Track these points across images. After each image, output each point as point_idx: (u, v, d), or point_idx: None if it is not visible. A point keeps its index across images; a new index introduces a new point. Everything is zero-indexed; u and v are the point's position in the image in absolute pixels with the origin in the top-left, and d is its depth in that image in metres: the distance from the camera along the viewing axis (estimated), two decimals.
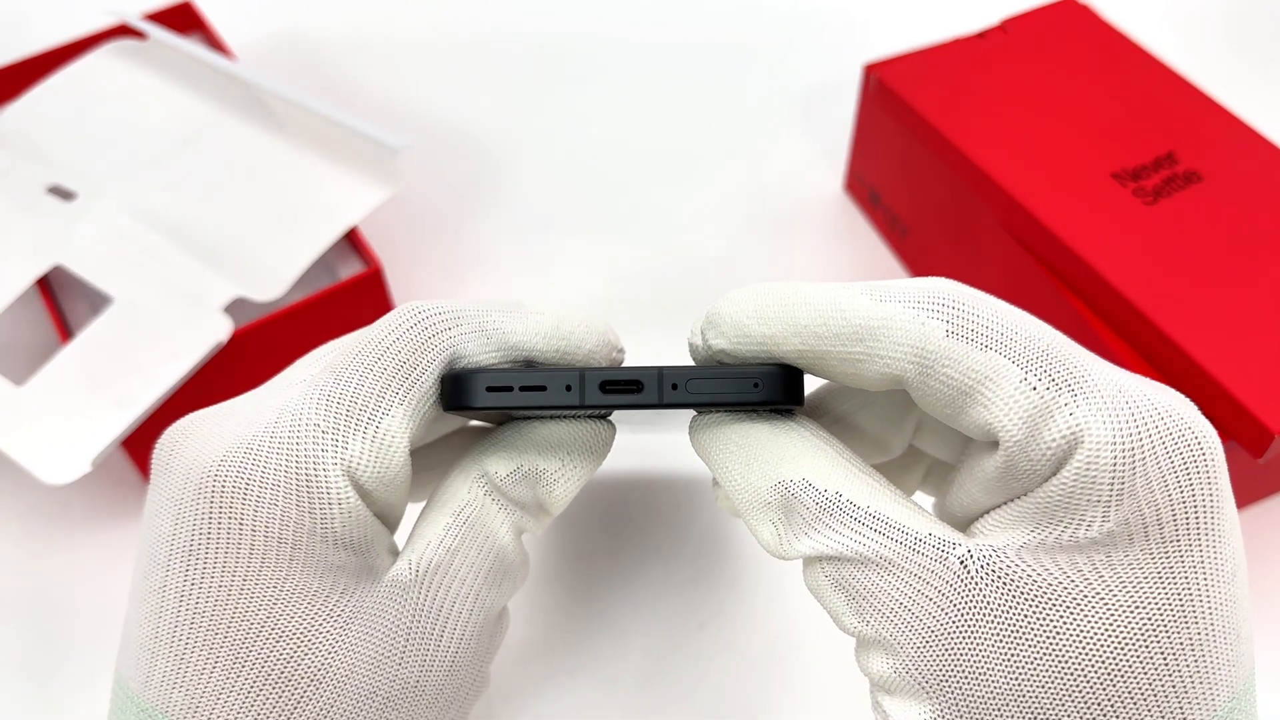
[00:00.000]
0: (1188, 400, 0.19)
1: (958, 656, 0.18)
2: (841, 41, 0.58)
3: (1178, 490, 0.18)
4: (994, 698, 0.18)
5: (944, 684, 0.18)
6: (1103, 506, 0.18)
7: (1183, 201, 0.37)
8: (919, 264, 0.46)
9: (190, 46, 0.46)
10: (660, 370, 0.20)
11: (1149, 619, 0.18)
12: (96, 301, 0.41)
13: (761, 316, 0.20)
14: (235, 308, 0.38)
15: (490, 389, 0.20)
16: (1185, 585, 0.18)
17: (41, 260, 0.40)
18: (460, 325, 0.20)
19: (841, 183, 0.50)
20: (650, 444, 0.40)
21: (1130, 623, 0.18)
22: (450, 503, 0.21)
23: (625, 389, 0.20)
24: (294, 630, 0.19)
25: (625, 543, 0.37)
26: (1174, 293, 0.35)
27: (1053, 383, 0.18)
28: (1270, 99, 0.49)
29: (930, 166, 0.42)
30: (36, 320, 0.43)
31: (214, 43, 0.50)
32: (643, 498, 0.39)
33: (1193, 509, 0.18)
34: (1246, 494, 0.37)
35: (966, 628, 0.18)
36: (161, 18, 0.52)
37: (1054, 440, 0.18)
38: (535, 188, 0.51)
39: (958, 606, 0.18)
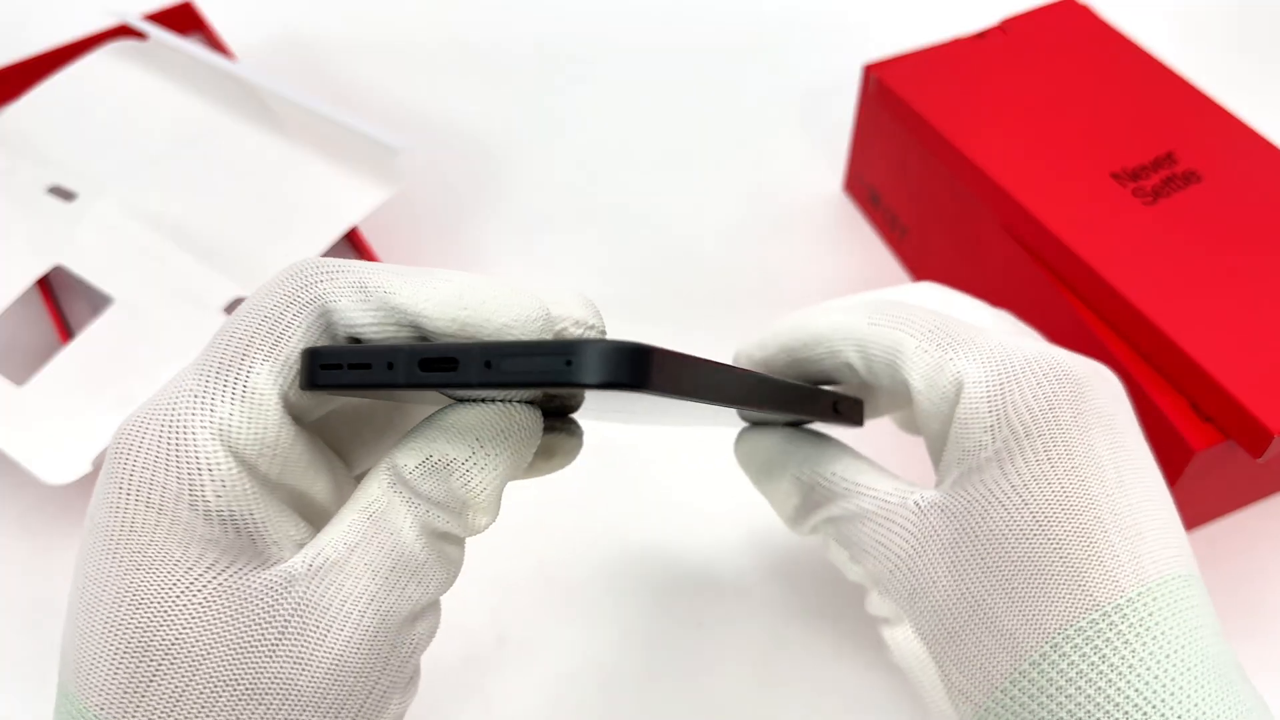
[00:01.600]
0: (1088, 360, 0.24)
1: (918, 574, 0.23)
2: (841, 41, 0.58)
3: (1042, 412, 0.22)
4: (946, 600, 0.23)
5: (913, 598, 0.23)
6: (989, 431, 0.22)
7: (1182, 201, 0.37)
8: (919, 264, 0.46)
9: (191, 47, 0.46)
10: (474, 347, 0.18)
11: (1038, 513, 0.22)
12: (96, 301, 0.41)
13: (761, 345, 0.27)
14: (235, 308, 0.38)
15: (324, 366, 0.19)
16: (1063, 486, 0.22)
17: (42, 260, 0.40)
18: (336, 278, 0.19)
19: (841, 183, 0.50)
20: (652, 445, 0.40)
21: (1023, 518, 0.22)
22: (360, 499, 0.20)
23: (442, 366, 0.18)
24: (152, 599, 0.18)
25: (625, 543, 0.37)
26: (1173, 293, 0.35)
27: (937, 346, 0.23)
28: (1270, 99, 0.49)
29: (930, 166, 0.42)
30: (36, 320, 0.43)
31: (214, 43, 0.51)
32: (643, 498, 0.39)
33: (1057, 426, 0.22)
34: (1246, 494, 0.37)
35: (922, 550, 0.23)
36: (162, 18, 0.52)
37: (946, 386, 0.23)
38: (535, 188, 0.51)
39: (915, 535, 0.23)
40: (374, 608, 0.20)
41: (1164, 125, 0.40)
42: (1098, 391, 0.23)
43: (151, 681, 0.18)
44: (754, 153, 0.52)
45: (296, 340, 0.19)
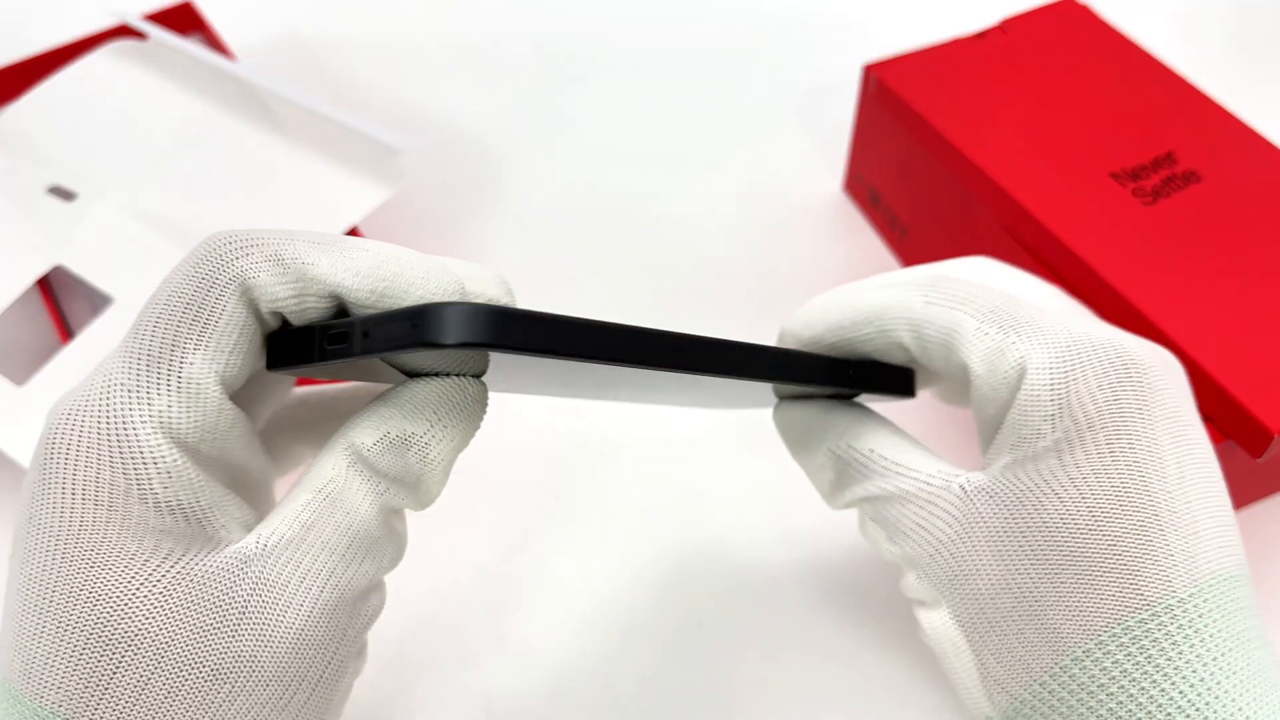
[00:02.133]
0: (1150, 343, 0.23)
1: (961, 560, 0.23)
2: (841, 41, 0.58)
3: (1106, 402, 0.22)
4: (989, 588, 0.22)
5: (953, 584, 0.23)
6: (1050, 420, 0.22)
7: (1182, 202, 0.37)
8: (918, 264, 0.46)
9: (191, 47, 0.46)
10: (357, 320, 0.19)
11: (1095, 508, 0.21)
12: (97, 301, 0.41)
13: (807, 323, 0.26)
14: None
15: (276, 349, 0.20)
16: (1123, 481, 0.21)
17: (42, 260, 0.40)
18: (251, 254, 0.19)
19: (841, 183, 0.50)
20: (651, 443, 0.40)
21: (1080, 511, 0.21)
22: (314, 480, 0.20)
23: (339, 340, 0.19)
24: (110, 594, 0.19)
25: (625, 542, 0.37)
26: (1173, 293, 0.35)
27: (1000, 329, 0.23)
28: (1269, 99, 0.49)
29: (930, 166, 0.42)
30: (37, 320, 0.43)
31: (214, 43, 0.51)
32: (643, 497, 0.39)
33: (1121, 418, 0.22)
34: (1246, 494, 0.37)
35: (966, 536, 0.23)
36: (162, 18, 0.52)
37: (1007, 370, 0.22)
38: (535, 188, 0.51)
39: (960, 520, 0.23)
40: (331, 583, 0.20)
41: (1164, 125, 0.40)
42: (1164, 381, 0.22)
43: (115, 674, 0.18)
44: (754, 153, 0.52)
45: (224, 322, 0.19)
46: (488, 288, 0.21)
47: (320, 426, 0.25)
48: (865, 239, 0.48)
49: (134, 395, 0.19)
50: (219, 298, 0.19)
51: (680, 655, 0.34)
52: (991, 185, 0.39)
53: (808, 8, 0.60)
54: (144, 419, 0.19)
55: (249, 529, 0.20)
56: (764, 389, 0.25)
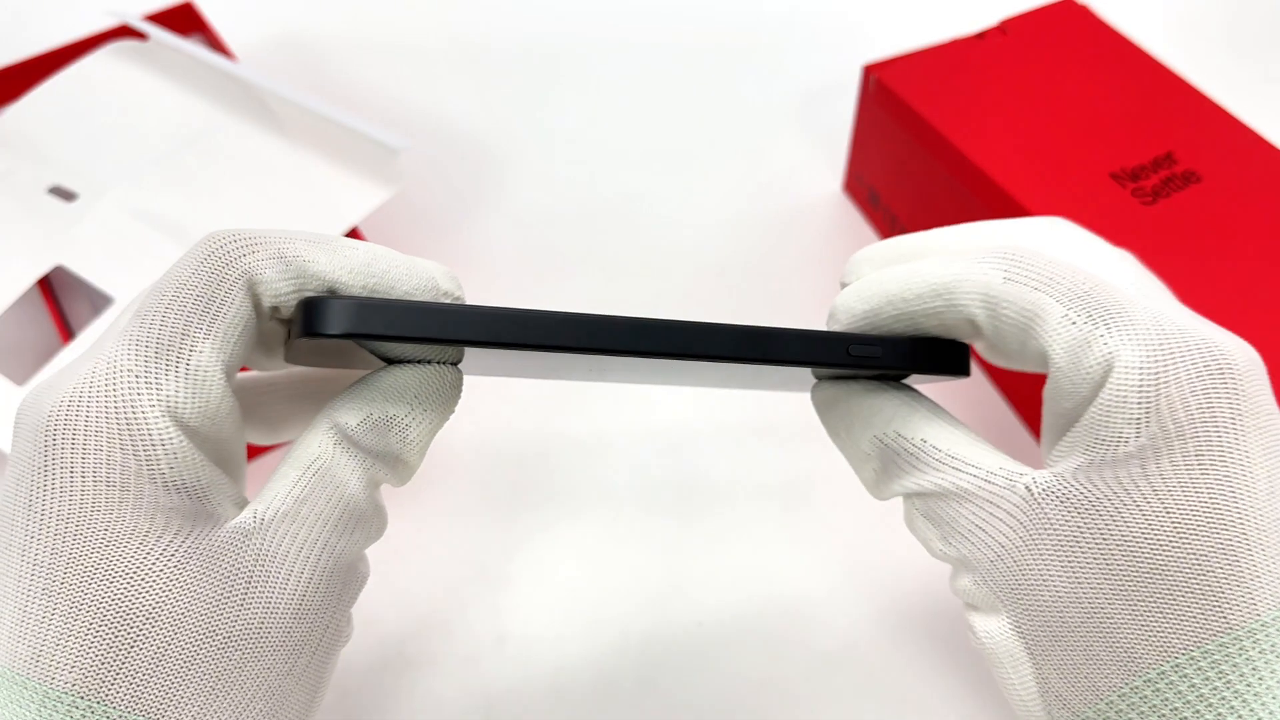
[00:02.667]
0: (1236, 337, 0.22)
1: (1026, 567, 0.21)
2: (841, 42, 0.58)
3: (1199, 410, 0.20)
4: (1056, 600, 0.21)
5: (1015, 592, 0.22)
6: (1135, 424, 0.20)
7: (1182, 202, 0.37)
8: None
9: (191, 47, 0.46)
10: (291, 316, 0.21)
11: (1180, 523, 0.20)
12: (98, 301, 0.41)
13: (862, 296, 0.24)
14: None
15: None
16: (1211, 495, 0.20)
17: (42, 260, 0.40)
18: (256, 251, 0.21)
19: (840, 183, 0.50)
20: (652, 443, 0.40)
21: (1164, 526, 0.20)
22: (302, 458, 0.22)
23: (287, 334, 0.21)
24: (126, 571, 0.19)
25: (625, 541, 0.37)
26: (1172, 293, 0.35)
27: (1089, 318, 0.21)
28: (1268, 99, 0.49)
29: (930, 166, 0.42)
30: (37, 320, 0.43)
31: (215, 43, 0.51)
32: (643, 497, 0.39)
33: (1213, 427, 0.20)
34: None
35: (1032, 542, 0.21)
36: (162, 18, 0.52)
37: (1092, 366, 0.21)
38: (535, 187, 0.51)
39: (1025, 525, 0.21)
40: (327, 552, 0.21)
41: (1164, 125, 0.40)
42: (1257, 385, 0.21)
43: (132, 649, 0.19)
44: (754, 153, 0.52)
45: (231, 314, 0.20)
46: (444, 283, 0.22)
47: (255, 410, 0.26)
48: (865, 239, 0.48)
49: (142, 380, 0.20)
50: (228, 291, 0.20)
51: (680, 655, 0.34)
52: (991, 185, 0.39)
53: (808, 8, 0.60)
54: (153, 403, 0.20)
55: (239, 505, 0.21)
56: (799, 369, 0.23)
